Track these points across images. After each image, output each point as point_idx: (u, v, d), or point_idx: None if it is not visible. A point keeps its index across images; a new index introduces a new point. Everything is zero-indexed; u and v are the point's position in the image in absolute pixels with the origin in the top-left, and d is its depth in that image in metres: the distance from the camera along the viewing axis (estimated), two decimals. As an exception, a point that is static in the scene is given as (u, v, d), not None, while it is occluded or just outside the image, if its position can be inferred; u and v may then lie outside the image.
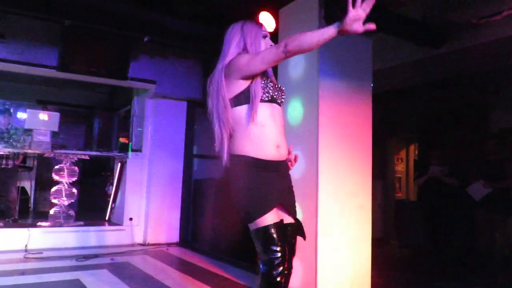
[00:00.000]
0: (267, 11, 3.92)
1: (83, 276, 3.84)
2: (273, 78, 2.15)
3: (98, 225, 5.63)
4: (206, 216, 5.74)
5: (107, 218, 6.09)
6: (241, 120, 2.01)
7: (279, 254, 1.89)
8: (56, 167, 5.45)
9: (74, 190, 5.53)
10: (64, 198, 5.40)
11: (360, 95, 3.62)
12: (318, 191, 3.26)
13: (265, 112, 2.00)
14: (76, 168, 5.57)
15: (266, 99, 2.00)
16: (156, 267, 4.44)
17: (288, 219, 2.05)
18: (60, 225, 5.24)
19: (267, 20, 3.93)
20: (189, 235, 5.96)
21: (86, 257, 4.59)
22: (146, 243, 5.59)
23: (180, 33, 5.12)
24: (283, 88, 2.15)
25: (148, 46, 5.34)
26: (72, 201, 5.52)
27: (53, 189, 5.43)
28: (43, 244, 4.93)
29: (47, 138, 5.07)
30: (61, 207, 5.39)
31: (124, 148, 6.00)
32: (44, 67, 4.90)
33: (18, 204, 5.71)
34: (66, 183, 5.44)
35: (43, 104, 6.56)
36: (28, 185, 6.49)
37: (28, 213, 6.21)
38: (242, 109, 2.01)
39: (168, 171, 5.82)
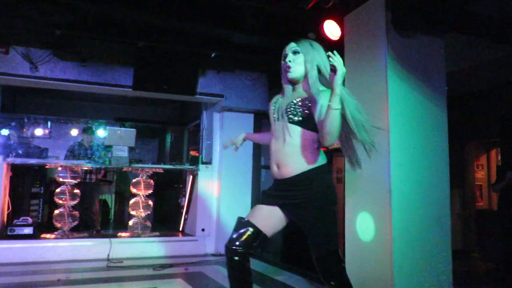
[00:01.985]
0: (332, 20, 3.88)
1: (160, 285, 3.99)
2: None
3: (172, 236, 5.85)
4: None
5: (180, 229, 6.31)
6: None
7: None
8: (134, 180, 5.76)
9: (150, 202, 5.80)
10: (141, 210, 5.69)
11: (434, 99, 3.44)
12: (391, 201, 3.12)
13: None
14: (152, 181, 5.85)
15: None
16: (227, 277, 4.49)
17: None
18: (138, 236, 5.52)
19: (332, 29, 3.89)
20: (258, 245, 5.97)
21: (163, 266, 4.78)
22: (218, 253, 5.70)
23: (245, 47, 5.24)
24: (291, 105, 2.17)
25: (215, 61, 5.51)
26: (149, 212, 5.79)
27: (131, 201, 5.75)
28: (123, 253, 5.21)
29: (125, 153, 5.39)
30: (139, 218, 5.68)
31: (194, 161, 6.20)
32: (121, 87, 5.25)
33: (100, 216, 6.11)
34: (143, 196, 5.73)
35: (120, 121, 7.01)
36: (108, 197, 6.93)
37: (109, 224, 6.61)
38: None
39: (237, 183, 5.92)
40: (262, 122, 6.26)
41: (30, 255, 4.88)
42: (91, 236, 5.41)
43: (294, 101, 2.17)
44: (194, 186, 6.20)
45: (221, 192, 5.87)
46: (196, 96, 5.58)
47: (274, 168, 2.20)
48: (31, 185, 5.46)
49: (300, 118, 2.13)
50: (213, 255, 5.71)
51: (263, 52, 5.34)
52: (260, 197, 5.96)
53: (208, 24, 4.61)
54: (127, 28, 4.72)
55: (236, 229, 2.27)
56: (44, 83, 4.87)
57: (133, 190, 5.74)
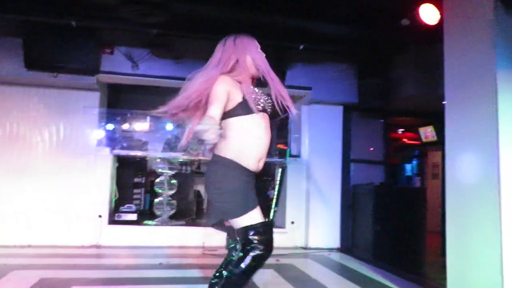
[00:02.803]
0: (429, 3, 3.63)
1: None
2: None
3: (262, 227, 5.93)
4: (366, 222, 5.56)
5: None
6: None
7: None
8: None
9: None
10: (231, 202, 5.85)
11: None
12: (500, 199, 2.82)
13: None
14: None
15: None
16: (319, 271, 4.46)
17: None
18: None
19: (429, 13, 3.63)
20: (349, 241, 5.85)
21: (253, 256, 4.87)
22: (308, 246, 5.68)
23: (332, 38, 5.11)
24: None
25: (302, 54, 5.45)
26: (238, 204, 5.94)
27: (223, 192, 5.93)
28: (217, 242, 5.41)
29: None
30: (230, 210, 5.85)
31: (282, 154, 6.22)
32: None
33: (195, 206, 6.42)
34: (232, 188, 5.89)
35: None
36: (202, 189, 7.24)
37: (202, 214, 6.91)
38: None
39: (326, 176, 5.83)
40: (351, 114, 6.10)
41: (134, 239, 5.29)
42: (187, 224, 5.71)
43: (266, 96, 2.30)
44: (282, 179, 6.22)
45: (310, 186, 5.83)
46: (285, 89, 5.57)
47: (258, 163, 2.27)
48: (134, 175, 5.90)
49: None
50: (302, 248, 5.70)
51: (353, 42, 5.18)
52: (348, 191, 5.87)
53: (296, 16, 4.58)
54: (216, 25, 4.86)
55: (271, 231, 2.32)
56: (144, 80, 5.22)
57: (224, 182, 5.92)
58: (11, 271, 3.86)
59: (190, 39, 5.32)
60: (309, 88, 5.70)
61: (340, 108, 5.96)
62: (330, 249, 5.61)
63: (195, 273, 4.06)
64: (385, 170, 6.32)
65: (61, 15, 4.43)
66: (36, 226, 5.14)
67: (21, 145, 5.21)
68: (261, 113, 2.26)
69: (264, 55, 2.37)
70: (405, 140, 8.97)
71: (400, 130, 8.56)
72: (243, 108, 2.20)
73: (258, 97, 2.27)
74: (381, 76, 5.64)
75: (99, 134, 5.49)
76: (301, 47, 5.13)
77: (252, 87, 2.30)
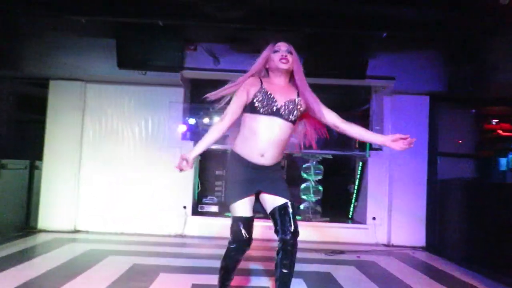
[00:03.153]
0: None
1: (333, 270, 4.02)
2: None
3: (342, 222, 5.83)
4: (455, 220, 5.21)
5: (350, 216, 6.25)
6: None
7: None
8: (304, 165, 5.92)
9: (320, 188, 5.89)
10: (312, 195, 5.82)
11: None
12: None
13: None
14: (321, 166, 5.92)
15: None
16: (403, 269, 4.27)
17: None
18: (309, 220, 5.67)
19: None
20: (436, 239, 5.53)
21: (334, 252, 4.81)
22: (390, 244, 5.47)
23: (417, 24, 4.84)
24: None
25: (385, 42, 5.20)
26: (319, 198, 5.90)
27: (302, 186, 5.93)
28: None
29: (295, 139, 5.54)
30: (309, 203, 5.82)
31: (362, 147, 6.03)
32: (292, 75, 5.38)
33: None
34: (313, 181, 5.85)
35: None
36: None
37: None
38: None
39: (410, 170, 5.55)
40: (439, 104, 5.72)
41: (215, 230, 5.47)
42: (265, 217, 5.76)
43: (295, 101, 2.54)
44: (363, 173, 6.05)
45: (393, 180, 5.58)
46: (366, 80, 5.39)
47: (260, 157, 2.48)
48: (216, 168, 6.09)
49: (295, 119, 2.53)
50: (384, 245, 5.50)
51: (440, 27, 4.84)
52: (435, 186, 5.53)
53: (377, 3, 4.39)
54: (295, 16, 4.81)
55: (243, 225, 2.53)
56: (225, 75, 5.32)
57: (304, 175, 5.90)
58: (107, 256, 4.20)
59: (269, 32, 5.32)
60: (392, 78, 5.44)
61: (426, 98, 5.63)
62: (415, 247, 5.35)
63: (274, 266, 4.08)
64: (476, 164, 5.85)
65: (149, 16, 4.68)
66: (127, 215, 5.53)
67: (114, 139, 5.62)
68: (270, 115, 2.46)
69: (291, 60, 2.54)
70: (499, 131, 8.22)
71: (494, 121, 7.86)
72: (251, 107, 2.49)
73: (271, 101, 2.47)
74: (473, 62, 5.21)
75: (183, 128, 5.73)
76: (384, 35, 4.90)
77: (267, 91, 2.50)
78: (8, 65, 5.15)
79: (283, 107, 2.48)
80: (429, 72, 5.44)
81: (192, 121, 6.18)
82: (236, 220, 2.50)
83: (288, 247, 2.50)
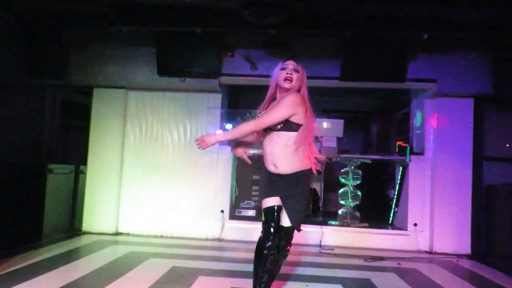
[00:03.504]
0: None
1: (372, 277, 3.93)
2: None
3: (382, 228, 5.70)
4: (503, 227, 4.98)
5: (390, 222, 6.10)
6: None
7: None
8: (342, 170, 5.84)
9: (359, 193, 5.79)
10: (350, 200, 5.73)
11: None
12: None
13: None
14: (360, 171, 5.82)
15: None
16: (446, 278, 4.11)
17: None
18: (348, 225, 5.58)
19: None
20: (482, 247, 5.30)
21: (373, 258, 4.71)
22: (433, 251, 5.28)
23: (460, 23, 4.69)
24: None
25: (426, 44, 5.08)
26: (357, 203, 5.79)
27: (340, 191, 5.85)
28: (334, 241, 5.36)
29: (333, 144, 5.50)
30: (348, 208, 5.73)
31: (402, 152, 5.87)
32: (329, 79, 5.35)
33: (311, 203, 6.42)
34: (351, 186, 5.76)
35: (327, 113, 7.18)
36: (318, 186, 7.22)
37: (318, 212, 6.88)
38: None
39: (454, 175, 5.35)
40: (484, 107, 5.51)
41: (252, 234, 5.47)
42: (304, 222, 5.71)
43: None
44: (404, 178, 5.89)
45: (435, 185, 5.40)
46: (406, 82, 5.27)
47: (270, 167, 2.86)
48: (252, 172, 6.10)
49: (280, 127, 2.73)
50: (426, 252, 5.33)
51: (485, 28, 4.68)
52: (480, 192, 5.31)
53: (417, 4, 4.29)
54: (334, 20, 4.78)
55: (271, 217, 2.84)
56: (262, 80, 5.34)
57: (342, 180, 5.82)
58: (147, 258, 4.30)
59: (306, 37, 5.33)
60: (434, 81, 5.28)
61: (470, 100, 5.42)
62: (459, 255, 5.15)
63: (312, 271, 4.06)
64: (525, 169, 5.57)
65: (187, 24, 4.78)
66: (166, 218, 5.65)
67: (154, 144, 5.77)
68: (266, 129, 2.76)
69: (288, 73, 2.80)
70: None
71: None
72: None
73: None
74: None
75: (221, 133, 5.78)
76: (425, 36, 4.78)
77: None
78: (55, 75, 5.40)
79: None
80: (473, 73, 5.25)
81: (229, 126, 6.24)
82: (264, 212, 2.84)
83: (281, 256, 2.90)
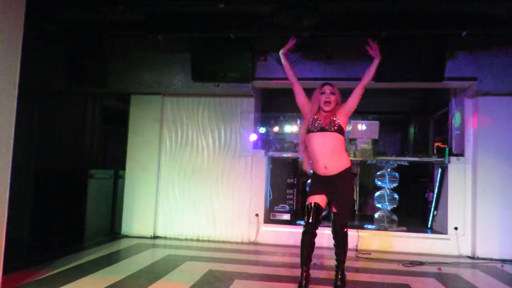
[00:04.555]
0: None
1: (411, 282, 3.83)
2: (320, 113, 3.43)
3: (420, 232, 5.55)
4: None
5: (429, 226, 5.93)
6: None
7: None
8: (378, 173, 5.74)
9: (396, 196, 5.66)
10: (387, 203, 5.61)
11: None
12: None
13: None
14: (396, 174, 5.70)
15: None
16: (490, 284, 3.95)
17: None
18: (385, 229, 5.46)
19: None
20: (529, 252, 5.06)
21: (412, 263, 4.59)
22: (475, 256, 5.09)
23: (500, 19, 4.51)
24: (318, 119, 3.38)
25: (465, 41, 4.91)
26: (394, 206, 5.67)
27: (376, 194, 5.74)
28: (371, 245, 5.26)
29: (369, 146, 5.42)
30: (384, 211, 5.62)
31: (441, 153, 5.70)
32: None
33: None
34: (388, 189, 5.64)
35: (362, 114, 7.07)
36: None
37: (354, 215, 6.78)
38: None
39: (496, 177, 5.14)
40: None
41: (288, 238, 5.47)
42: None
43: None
44: (443, 180, 5.71)
45: (477, 188, 5.21)
46: (444, 82, 5.11)
47: (324, 169, 3.38)
48: (287, 176, 6.12)
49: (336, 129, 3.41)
50: (469, 257, 5.14)
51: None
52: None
53: (454, 0, 4.15)
54: (368, 20, 4.70)
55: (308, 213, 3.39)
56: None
57: (378, 183, 5.72)
58: (185, 261, 4.37)
59: (340, 38, 5.27)
60: (474, 79, 5.10)
61: (513, 99, 5.20)
62: (504, 261, 4.93)
63: (349, 276, 3.98)
64: None
65: (220, 29, 4.85)
66: (202, 222, 5.73)
67: (190, 148, 5.87)
68: (318, 132, 3.33)
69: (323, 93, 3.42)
70: None
71: None
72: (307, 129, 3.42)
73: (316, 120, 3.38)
74: None
75: (255, 137, 5.82)
76: (463, 33, 4.63)
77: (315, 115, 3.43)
78: (95, 83, 5.61)
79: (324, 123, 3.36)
80: (516, 71, 5.03)
81: (262, 130, 6.27)
82: (306, 207, 3.39)
83: (336, 235, 3.41)
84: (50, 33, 5.25)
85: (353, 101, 3.38)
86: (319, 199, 3.33)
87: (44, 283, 3.42)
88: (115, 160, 7.10)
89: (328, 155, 3.27)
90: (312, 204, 3.32)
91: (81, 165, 6.33)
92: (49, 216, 5.32)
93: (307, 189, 3.66)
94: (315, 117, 3.38)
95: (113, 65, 5.67)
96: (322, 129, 3.30)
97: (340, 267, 3.47)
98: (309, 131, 3.36)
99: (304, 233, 3.35)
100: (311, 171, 3.49)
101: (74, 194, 5.31)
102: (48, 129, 6.02)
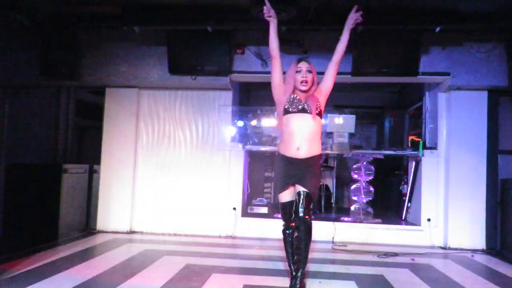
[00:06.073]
0: None
1: (386, 273, 3.92)
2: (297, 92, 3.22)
3: (395, 224, 5.67)
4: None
5: (403, 218, 6.06)
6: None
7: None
8: (354, 166, 5.82)
9: (371, 189, 5.76)
10: (363, 196, 5.71)
11: None
12: None
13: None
14: (372, 167, 5.79)
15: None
16: (461, 273, 4.07)
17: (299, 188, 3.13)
18: (360, 221, 5.56)
19: None
20: (497, 242, 5.24)
21: (386, 254, 4.69)
22: (447, 246, 5.24)
23: (475, 16, 4.62)
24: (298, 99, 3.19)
25: (439, 37, 5.01)
26: (370, 199, 5.77)
27: (353, 187, 5.83)
28: (346, 237, 5.34)
29: (345, 140, 5.48)
30: (360, 204, 5.71)
31: (415, 146, 5.83)
32: (340, 74, 5.29)
33: (324, 200, 6.41)
34: (364, 182, 5.73)
35: (339, 108, 7.15)
36: (330, 182, 7.20)
37: (331, 208, 6.86)
38: None
39: (467, 170, 5.29)
40: (499, 99, 5.42)
41: (265, 231, 5.50)
42: (316, 218, 5.72)
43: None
44: (417, 173, 5.84)
45: (449, 180, 5.34)
46: (418, 76, 5.21)
47: (297, 151, 3.23)
48: (265, 170, 6.13)
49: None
50: (441, 247, 5.28)
51: (499, 19, 4.60)
52: (495, 186, 5.23)
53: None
54: (345, 15, 4.73)
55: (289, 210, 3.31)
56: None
57: (354, 176, 5.80)
58: (162, 256, 4.34)
59: (317, 32, 5.29)
60: (447, 74, 5.22)
61: (484, 93, 5.34)
62: (474, 250, 5.10)
63: (325, 267, 4.06)
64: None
65: (198, 22, 4.80)
66: (179, 216, 5.70)
67: (167, 142, 5.81)
68: (299, 113, 3.14)
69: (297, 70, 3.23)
70: None
71: None
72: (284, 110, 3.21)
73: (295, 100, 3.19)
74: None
75: (233, 131, 5.81)
76: (437, 29, 4.72)
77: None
78: (69, 76, 5.46)
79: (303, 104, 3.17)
80: (487, 66, 5.17)
81: (240, 123, 6.26)
82: (280, 207, 3.34)
83: (300, 226, 3.06)
84: (22, 25, 5.08)
85: (331, 79, 3.21)
86: (290, 194, 3.22)
87: (17, 280, 3.34)
88: (90, 154, 6.98)
89: (305, 138, 3.10)
90: (287, 203, 3.25)
91: (54, 159, 6.19)
92: (21, 213, 5.19)
93: (275, 180, 3.56)
94: (294, 96, 3.17)
95: (87, 58, 5.55)
96: (303, 110, 3.11)
97: (300, 269, 3.07)
98: (287, 111, 3.15)
99: (284, 232, 3.34)
100: (278, 153, 3.31)
101: (48, 190, 5.19)
102: (20, 123, 5.86)
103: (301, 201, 3.07)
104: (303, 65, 3.17)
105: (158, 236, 5.50)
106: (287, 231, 3.34)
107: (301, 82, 3.13)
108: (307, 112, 3.10)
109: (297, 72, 3.16)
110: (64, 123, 6.40)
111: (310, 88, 3.17)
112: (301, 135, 3.10)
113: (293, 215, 3.11)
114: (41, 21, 5.11)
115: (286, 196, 3.24)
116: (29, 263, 3.88)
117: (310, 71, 3.16)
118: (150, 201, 5.75)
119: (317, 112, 3.12)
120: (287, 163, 3.16)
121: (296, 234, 3.08)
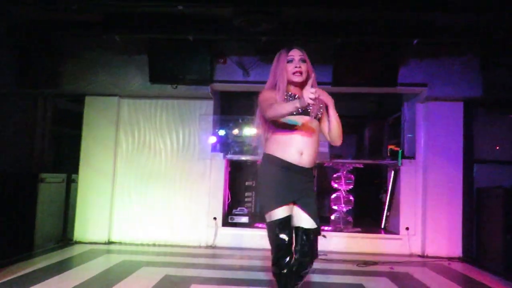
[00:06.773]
0: None
1: (365, 282, 3.95)
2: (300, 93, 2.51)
3: (374, 233, 5.73)
4: (495, 230, 5.01)
5: (382, 226, 6.13)
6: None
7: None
8: (335, 175, 5.87)
9: (351, 198, 5.82)
10: (343, 205, 5.75)
11: None
12: None
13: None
14: (352, 176, 5.85)
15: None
16: (438, 281, 4.14)
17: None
18: (340, 230, 5.60)
19: None
20: (474, 250, 5.34)
21: (366, 263, 4.72)
22: (425, 255, 5.31)
23: (451, 29, 4.77)
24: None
25: (417, 49, 5.14)
26: (350, 208, 5.82)
27: (333, 196, 5.88)
28: (326, 247, 5.35)
29: (325, 149, 5.53)
30: (340, 213, 5.76)
31: (394, 156, 5.92)
32: (321, 84, 5.33)
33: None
34: (344, 191, 5.78)
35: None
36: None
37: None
38: None
39: (445, 179, 5.39)
40: (473, 111, 5.57)
41: (246, 241, 5.48)
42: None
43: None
44: (396, 182, 5.93)
45: (427, 189, 5.43)
46: (397, 87, 5.31)
47: (301, 156, 2.50)
48: (245, 179, 6.13)
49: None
50: (419, 256, 5.35)
51: (474, 33, 4.76)
52: (471, 195, 5.36)
53: (407, 9, 4.33)
54: (325, 27, 4.82)
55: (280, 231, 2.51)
56: (254, 87, 5.37)
57: (335, 185, 5.85)
58: (140, 267, 4.28)
59: (298, 43, 5.33)
60: (424, 85, 5.34)
61: (460, 104, 5.47)
62: (451, 258, 5.18)
63: (307, 277, 4.06)
64: (516, 171, 5.63)
65: (179, 31, 4.80)
66: (159, 226, 5.63)
67: (147, 151, 5.76)
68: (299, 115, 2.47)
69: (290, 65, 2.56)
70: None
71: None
72: None
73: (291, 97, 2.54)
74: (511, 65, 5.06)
75: (214, 139, 5.80)
76: (414, 42, 4.84)
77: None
78: (47, 83, 5.38)
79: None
80: (463, 77, 5.30)
81: (222, 132, 6.26)
82: (272, 225, 2.43)
83: (303, 267, 2.51)
84: (-1, 31, 5.02)
85: (327, 126, 2.61)
86: (288, 208, 2.45)
87: (-11, 293, 3.25)
88: (68, 163, 6.83)
89: (309, 143, 2.47)
90: (283, 219, 2.43)
91: (30, 168, 6.05)
92: (-5, 223, 5.05)
93: (263, 189, 2.54)
94: (289, 94, 2.54)
95: (66, 66, 5.48)
96: (305, 113, 2.49)
97: None
98: None
99: (277, 271, 2.45)
100: (268, 156, 2.53)
101: (23, 199, 5.06)
102: (-5, 131, 5.72)
103: (309, 243, 2.49)
104: (295, 53, 2.55)
105: (137, 247, 5.42)
106: (283, 271, 2.45)
107: (294, 73, 2.51)
108: (309, 114, 2.50)
109: (288, 62, 2.53)
110: (40, 131, 6.27)
111: (305, 81, 2.51)
112: (303, 139, 2.46)
113: (297, 255, 2.49)
114: (19, 27, 5.04)
115: (283, 211, 2.43)
116: (2, 275, 3.77)
117: (304, 60, 2.54)
118: (129, 210, 5.67)
119: (319, 116, 2.58)
120: (285, 170, 2.44)
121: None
